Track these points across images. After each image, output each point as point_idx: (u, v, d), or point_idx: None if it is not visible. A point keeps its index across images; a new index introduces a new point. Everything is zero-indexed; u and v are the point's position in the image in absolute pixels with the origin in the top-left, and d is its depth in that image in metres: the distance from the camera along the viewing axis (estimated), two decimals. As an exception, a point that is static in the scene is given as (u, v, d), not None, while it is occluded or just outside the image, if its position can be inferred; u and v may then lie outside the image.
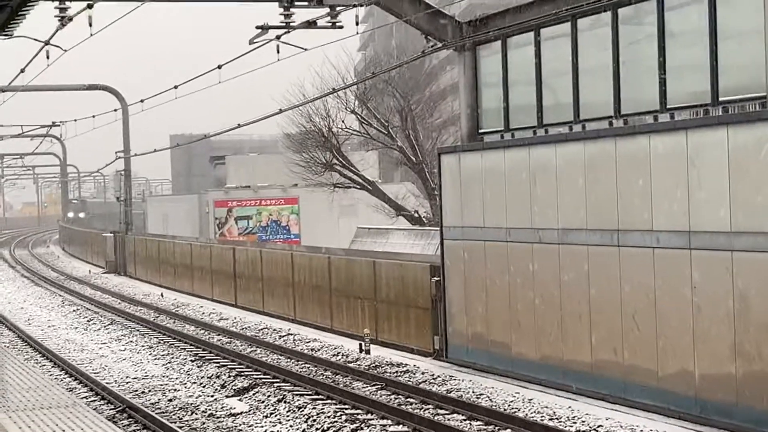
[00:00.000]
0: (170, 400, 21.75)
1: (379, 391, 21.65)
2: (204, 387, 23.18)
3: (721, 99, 17.95)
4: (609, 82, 20.39)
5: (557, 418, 18.31)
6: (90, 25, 22.68)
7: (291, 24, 23.96)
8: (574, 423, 17.93)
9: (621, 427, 17.46)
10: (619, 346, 19.59)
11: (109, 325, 34.61)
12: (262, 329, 32.03)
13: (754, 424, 16.70)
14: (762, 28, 16.85)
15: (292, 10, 23.92)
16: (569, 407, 19.15)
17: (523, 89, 23.20)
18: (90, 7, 22.02)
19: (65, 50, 25.62)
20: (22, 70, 29.67)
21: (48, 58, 26.01)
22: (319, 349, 27.47)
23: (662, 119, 19.10)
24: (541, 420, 18.14)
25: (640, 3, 19.54)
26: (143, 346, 29.73)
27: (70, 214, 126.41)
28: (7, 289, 50.40)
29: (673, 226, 18.23)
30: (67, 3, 22.89)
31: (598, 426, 17.58)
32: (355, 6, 23.78)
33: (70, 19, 22.79)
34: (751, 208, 16.75)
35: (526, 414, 18.73)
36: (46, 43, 24.99)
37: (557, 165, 21.22)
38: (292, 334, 30.42)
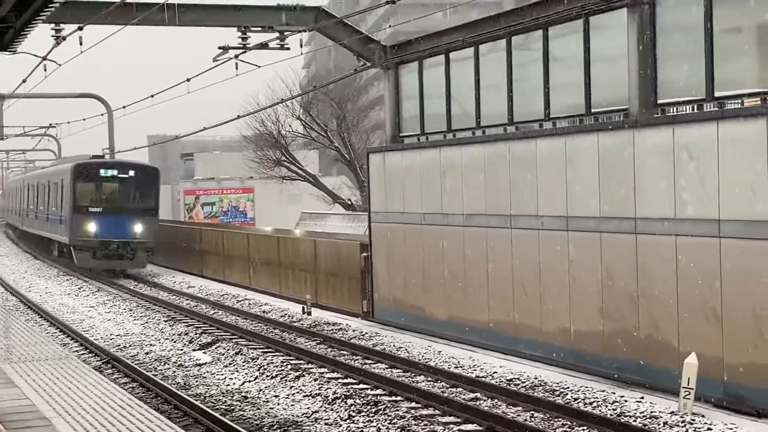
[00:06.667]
0: (147, 353, 21.63)
1: (318, 345, 21.70)
2: (175, 342, 23.07)
3: (593, 110, 18.17)
4: (504, 95, 20.56)
5: (461, 367, 18.48)
6: (81, 43, 22.44)
7: (247, 45, 23.88)
8: (474, 370, 18.10)
9: (512, 372, 17.63)
10: (511, 309, 19.81)
11: (96, 291, 34.24)
12: (223, 295, 31.90)
13: (616, 370, 17.02)
14: (625, 54, 17.12)
15: (248, 33, 23.85)
16: (470, 357, 19.32)
17: (436, 101, 23.32)
18: (80, 28, 21.79)
19: (60, 64, 25.31)
20: (24, 81, 29.21)
21: (45, 70, 25.65)
22: (269, 311, 27.43)
23: (546, 126, 19.30)
24: (448, 368, 18.29)
25: (530, 32, 19.72)
26: (125, 309, 29.47)
27: None
28: (11, 261, 49.60)
29: (555, 212, 18.44)
30: (62, 25, 22.61)
31: (494, 372, 17.76)
32: (300, 32, 23.76)
33: (64, 39, 22.52)
34: (615, 199, 17.01)
35: (436, 363, 18.86)
36: (44, 58, 24.68)
37: (462, 163, 21.36)
38: (248, 299, 30.34)
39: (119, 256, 37.07)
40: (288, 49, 24.11)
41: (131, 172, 38.04)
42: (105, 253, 36.86)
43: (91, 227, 37.01)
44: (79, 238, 37.04)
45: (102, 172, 38.12)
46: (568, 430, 13.78)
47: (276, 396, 16.72)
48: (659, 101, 16.62)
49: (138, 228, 37.13)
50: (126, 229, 36.99)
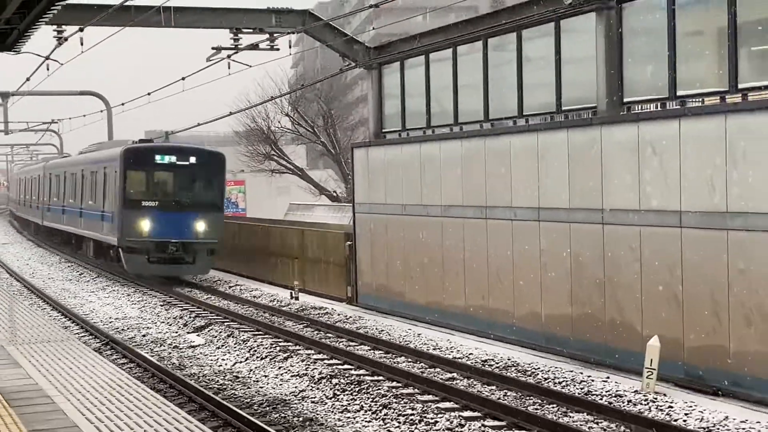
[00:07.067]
0: (144, 336, 21.62)
1: (305, 328, 21.74)
2: (170, 325, 23.07)
3: (563, 108, 18.26)
4: (480, 94, 20.62)
5: (439, 348, 18.55)
6: (81, 44, 22.38)
7: (239, 46, 23.87)
8: (452, 352, 18.18)
9: (486, 354, 17.71)
10: (486, 294, 19.90)
11: (96, 277, 34.15)
12: (215, 281, 31.87)
13: (583, 352, 17.15)
14: (594, 55, 17.21)
15: (240, 35, 23.84)
16: (448, 340, 19.39)
17: (416, 99, 23.36)
18: (81, 30, 21.73)
19: (62, 63, 25.23)
20: (28, 79, 29.09)
21: (48, 69, 25.58)
22: (259, 297, 27.44)
23: (520, 123, 19.39)
24: (427, 350, 18.36)
25: (505, 35, 19.79)
26: (123, 294, 29.40)
27: None
28: (16, 249, 49.40)
29: (527, 203, 18.53)
30: (64, 26, 22.54)
31: (469, 354, 17.84)
32: (289, 33, 23.76)
33: (66, 39, 22.45)
34: (584, 191, 17.11)
35: (416, 345, 18.93)
36: (47, 58, 24.58)
37: (441, 157, 21.43)
38: (239, 285, 30.32)
39: (178, 260, 29.48)
40: (277, 49, 24.12)
41: (192, 159, 29.83)
42: (161, 257, 29.34)
43: (145, 225, 29.28)
44: (129, 239, 29.46)
45: (158, 158, 29.72)
46: (538, 407, 13.89)
47: (265, 376, 16.76)
48: (625, 100, 16.72)
49: (200, 226, 29.43)
50: (186, 227, 29.38)
